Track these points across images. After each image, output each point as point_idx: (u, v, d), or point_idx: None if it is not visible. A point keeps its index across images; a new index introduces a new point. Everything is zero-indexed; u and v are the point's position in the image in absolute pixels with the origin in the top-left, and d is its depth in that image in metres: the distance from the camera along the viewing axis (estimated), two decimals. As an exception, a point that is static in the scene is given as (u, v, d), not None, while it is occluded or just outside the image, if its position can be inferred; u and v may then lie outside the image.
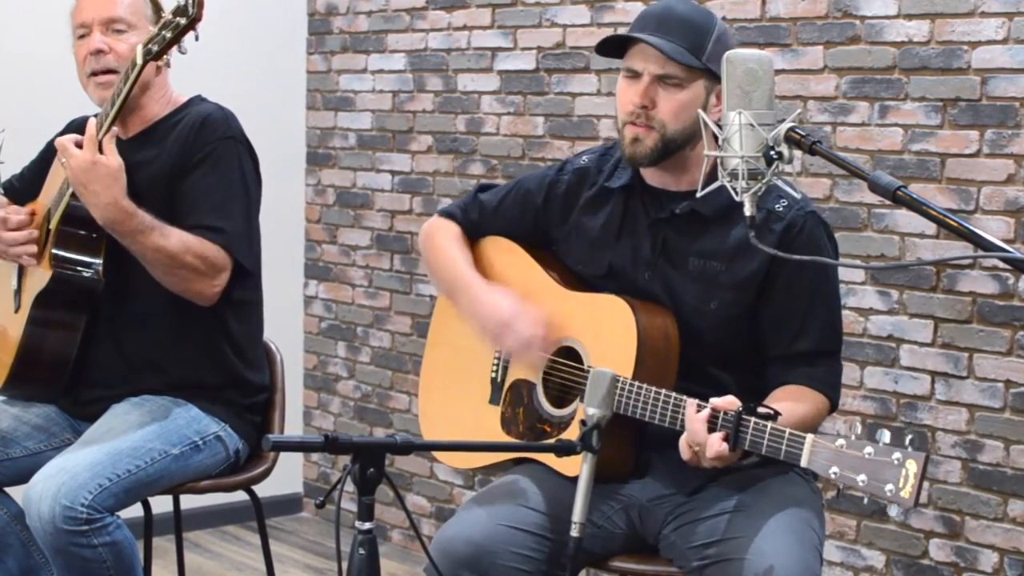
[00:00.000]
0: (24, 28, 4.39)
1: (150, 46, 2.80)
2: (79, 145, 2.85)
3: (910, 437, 2.14)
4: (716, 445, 2.35)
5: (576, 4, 4.21)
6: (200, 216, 2.96)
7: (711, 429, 2.37)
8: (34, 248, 3.05)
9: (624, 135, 2.63)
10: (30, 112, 3.98)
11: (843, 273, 3.56)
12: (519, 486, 2.66)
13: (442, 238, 2.92)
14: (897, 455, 2.13)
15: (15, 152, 3.20)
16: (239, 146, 3.06)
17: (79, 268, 2.99)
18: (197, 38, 2.78)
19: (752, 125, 2.10)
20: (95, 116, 2.95)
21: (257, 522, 3.18)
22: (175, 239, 2.89)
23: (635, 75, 2.60)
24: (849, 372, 3.59)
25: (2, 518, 3.07)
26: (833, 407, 2.64)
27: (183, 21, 2.75)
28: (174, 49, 2.81)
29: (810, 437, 2.25)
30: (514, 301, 2.72)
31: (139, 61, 2.82)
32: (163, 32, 2.78)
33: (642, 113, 2.59)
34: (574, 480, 2.38)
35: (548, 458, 2.66)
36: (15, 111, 3.83)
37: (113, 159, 2.84)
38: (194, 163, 3.00)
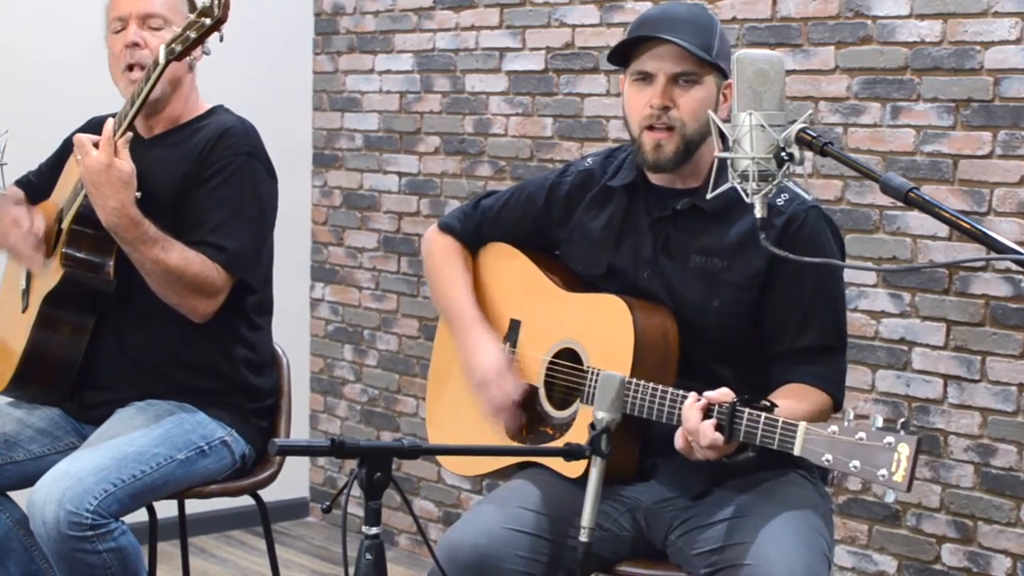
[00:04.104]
0: (28, 31, 4.37)
1: (173, 46, 2.77)
2: (96, 145, 2.83)
3: (902, 421, 2.14)
4: (709, 433, 2.33)
5: (585, 4, 4.19)
6: (204, 232, 2.94)
7: (705, 419, 2.35)
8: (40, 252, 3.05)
9: (644, 142, 2.60)
10: (33, 114, 3.97)
11: (854, 275, 3.55)
12: (524, 490, 2.65)
13: (441, 258, 2.93)
14: (889, 439, 2.12)
15: (16, 153, 3.18)
16: (255, 163, 3.03)
17: (90, 268, 2.97)
18: (222, 39, 2.76)
19: (763, 126, 2.09)
20: (113, 116, 2.91)
21: (263, 527, 3.18)
22: (176, 255, 2.87)
23: (646, 77, 2.58)
24: (860, 375, 3.57)
25: (5, 523, 3.05)
26: (837, 406, 2.61)
27: (208, 21, 2.72)
28: (199, 50, 2.77)
29: (803, 425, 2.24)
30: (498, 360, 2.75)
31: (161, 61, 2.79)
32: (187, 32, 2.75)
33: (662, 114, 2.56)
34: (577, 482, 2.35)
35: (550, 461, 2.65)
36: (18, 113, 3.81)
37: (126, 164, 2.82)
38: (206, 176, 2.98)
